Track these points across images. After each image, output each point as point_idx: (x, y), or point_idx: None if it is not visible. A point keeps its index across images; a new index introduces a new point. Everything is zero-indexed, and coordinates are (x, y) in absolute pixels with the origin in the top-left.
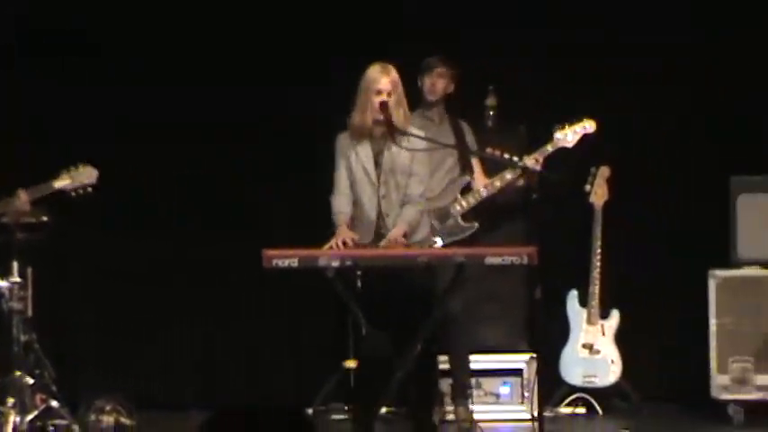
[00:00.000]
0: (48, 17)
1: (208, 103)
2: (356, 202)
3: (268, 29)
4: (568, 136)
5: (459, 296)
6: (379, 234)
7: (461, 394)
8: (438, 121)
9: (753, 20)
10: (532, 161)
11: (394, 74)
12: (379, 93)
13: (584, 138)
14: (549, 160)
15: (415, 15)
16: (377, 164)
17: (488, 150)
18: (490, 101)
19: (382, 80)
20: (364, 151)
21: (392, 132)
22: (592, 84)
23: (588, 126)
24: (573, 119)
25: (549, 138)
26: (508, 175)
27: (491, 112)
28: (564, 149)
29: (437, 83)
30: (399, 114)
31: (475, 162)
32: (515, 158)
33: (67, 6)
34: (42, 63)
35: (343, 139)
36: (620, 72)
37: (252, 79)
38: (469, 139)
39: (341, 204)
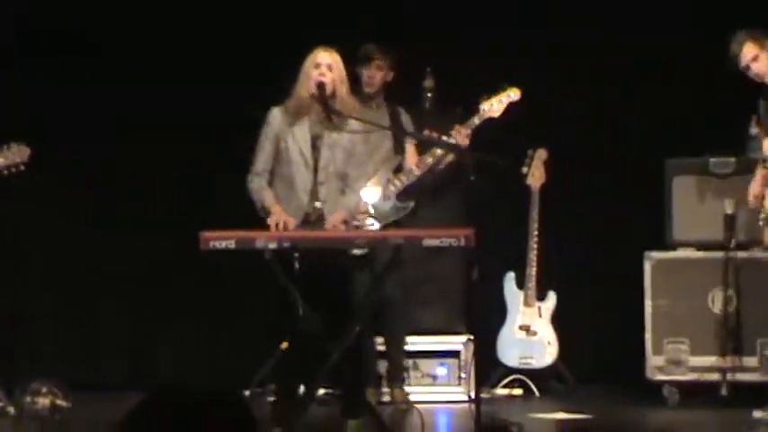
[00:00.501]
0: (47, 17)
1: (208, 103)
2: (287, 184)
3: (268, 29)
4: (494, 105)
5: (395, 278)
6: (308, 219)
7: (397, 376)
8: (375, 107)
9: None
10: (460, 135)
11: (336, 55)
12: (317, 66)
13: (510, 107)
14: (487, 143)
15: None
16: (314, 147)
17: (425, 132)
18: (428, 83)
19: (321, 54)
20: (301, 132)
21: (329, 114)
22: (528, 65)
23: (513, 94)
24: (498, 88)
25: (475, 110)
26: (439, 151)
27: (428, 94)
28: (492, 120)
29: (375, 75)
30: (342, 94)
31: (409, 144)
32: (452, 140)
33: (67, 6)
34: (42, 63)
35: (275, 116)
36: (556, 53)
37: (252, 79)
38: (405, 121)
39: (264, 184)
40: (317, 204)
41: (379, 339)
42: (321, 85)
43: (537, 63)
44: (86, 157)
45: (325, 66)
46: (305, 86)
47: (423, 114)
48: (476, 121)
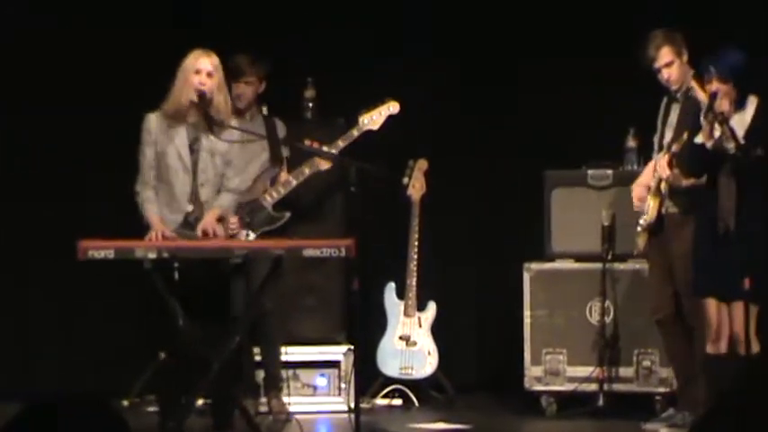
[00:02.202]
0: None
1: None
2: (167, 188)
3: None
4: (374, 118)
5: (272, 288)
6: (188, 221)
7: (274, 386)
8: (249, 118)
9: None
10: (336, 148)
11: (215, 58)
12: (198, 72)
13: (389, 119)
14: (367, 153)
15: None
16: (192, 150)
17: (306, 142)
18: (309, 93)
19: (202, 60)
20: (179, 136)
21: (210, 123)
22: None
23: (392, 108)
24: (377, 101)
25: (353, 123)
26: (316, 162)
27: (310, 104)
28: (371, 132)
29: (246, 92)
30: (220, 101)
31: (285, 156)
32: (333, 150)
33: None
34: None
35: (153, 121)
36: (436, 64)
37: None
38: (281, 133)
39: (150, 195)
40: (189, 209)
41: (257, 349)
42: (202, 95)
43: (418, 74)
44: None
45: (205, 73)
46: (184, 92)
47: (304, 125)
48: (354, 133)
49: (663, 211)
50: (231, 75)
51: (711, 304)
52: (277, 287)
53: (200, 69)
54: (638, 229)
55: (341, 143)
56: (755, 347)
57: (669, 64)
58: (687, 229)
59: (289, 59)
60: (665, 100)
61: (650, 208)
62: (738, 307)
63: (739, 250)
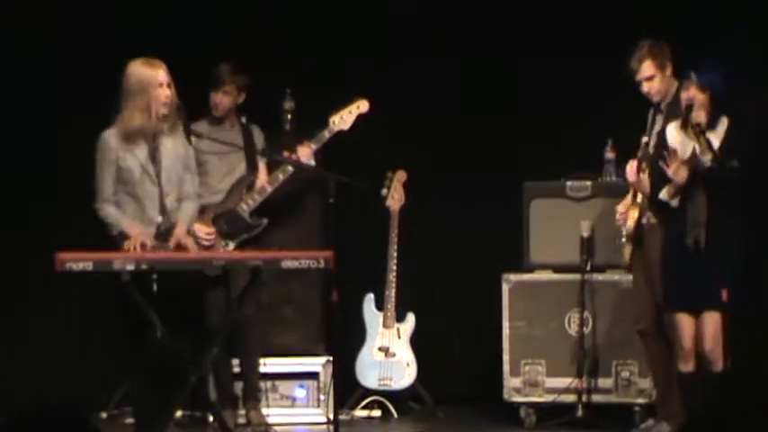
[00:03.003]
0: None
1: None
2: (135, 202)
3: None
4: (343, 117)
5: (251, 299)
6: (159, 231)
7: (252, 397)
8: (229, 126)
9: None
10: (307, 150)
11: (164, 66)
12: (161, 86)
13: (359, 118)
14: (346, 165)
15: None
16: (154, 161)
17: (284, 154)
18: (288, 104)
19: (160, 73)
20: (140, 150)
21: (187, 132)
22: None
23: (361, 106)
24: (346, 101)
25: (324, 124)
26: (290, 168)
27: (288, 116)
28: (342, 133)
29: (223, 100)
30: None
31: (261, 162)
32: (311, 162)
33: None
34: None
35: (111, 139)
36: (414, 74)
37: None
38: (259, 142)
39: (114, 209)
40: (159, 219)
41: (235, 360)
42: (178, 106)
43: (395, 85)
44: None
45: (166, 84)
46: (152, 110)
47: (282, 136)
48: (326, 134)
49: (643, 221)
50: (211, 83)
51: (683, 319)
52: (257, 298)
53: (162, 82)
54: (623, 240)
55: (313, 146)
56: (727, 360)
57: (650, 78)
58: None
59: (268, 70)
60: (651, 111)
61: (630, 218)
62: (713, 318)
63: (712, 262)
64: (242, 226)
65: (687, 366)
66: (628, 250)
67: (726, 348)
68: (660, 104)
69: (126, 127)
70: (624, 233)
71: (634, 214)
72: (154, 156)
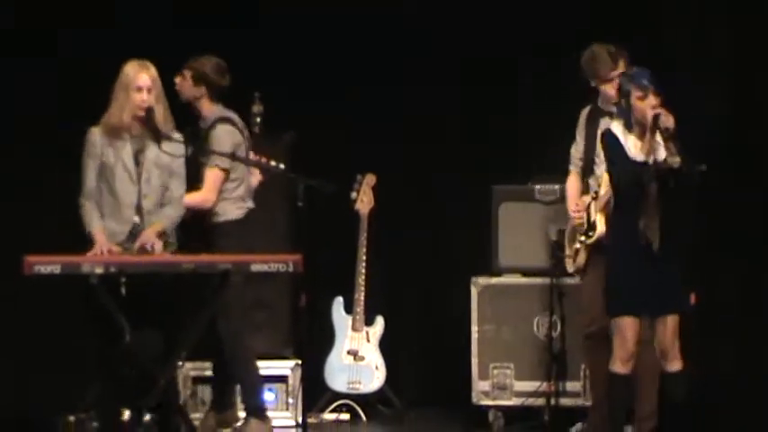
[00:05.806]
0: None
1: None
2: (112, 199)
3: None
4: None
5: (239, 305)
6: (133, 232)
7: (225, 400)
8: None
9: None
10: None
11: (153, 70)
12: (139, 90)
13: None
14: (315, 168)
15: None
16: (137, 161)
17: (253, 157)
18: (256, 108)
19: (142, 76)
20: (124, 148)
21: (158, 136)
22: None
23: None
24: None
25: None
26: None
27: (257, 119)
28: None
29: (182, 85)
30: (159, 112)
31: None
32: (281, 165)
33: None
34: None
35: (96, 135)
36: (384, 78)
37: None
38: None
39: (94, 210)
40: (136, 219)
41: (207, 364)
42: (149, 110)
43: (365, 88)
44: None
45: (146, 89)
46: (126, 109)
47: (251, 139)
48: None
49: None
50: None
51: (629, 323)
52: (240, 304)
53: (141, 86)
54: (576, 245)
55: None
56: (680, 362)
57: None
58: None
59: (237, 73)
60: (587, 111)
61: (599, 223)
62: (673, 319)
63: (671, 265)
64: None
65: (625, 368)
66: (583, 256)
67: (683, 349)
68: (614, 105)
69: (107, 123)
70: (582, 239)
71: (602, 219)
72: (137, 157)
